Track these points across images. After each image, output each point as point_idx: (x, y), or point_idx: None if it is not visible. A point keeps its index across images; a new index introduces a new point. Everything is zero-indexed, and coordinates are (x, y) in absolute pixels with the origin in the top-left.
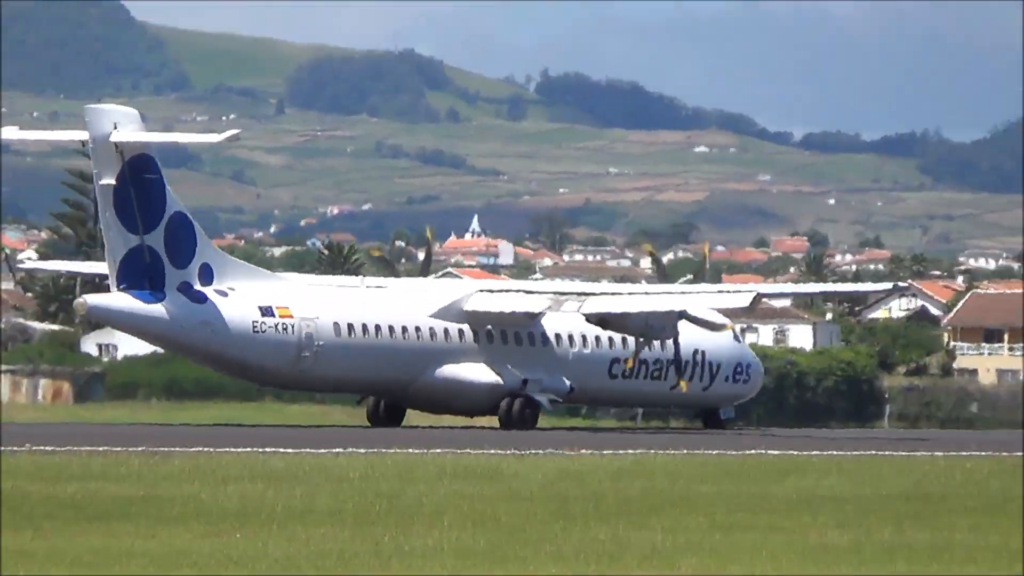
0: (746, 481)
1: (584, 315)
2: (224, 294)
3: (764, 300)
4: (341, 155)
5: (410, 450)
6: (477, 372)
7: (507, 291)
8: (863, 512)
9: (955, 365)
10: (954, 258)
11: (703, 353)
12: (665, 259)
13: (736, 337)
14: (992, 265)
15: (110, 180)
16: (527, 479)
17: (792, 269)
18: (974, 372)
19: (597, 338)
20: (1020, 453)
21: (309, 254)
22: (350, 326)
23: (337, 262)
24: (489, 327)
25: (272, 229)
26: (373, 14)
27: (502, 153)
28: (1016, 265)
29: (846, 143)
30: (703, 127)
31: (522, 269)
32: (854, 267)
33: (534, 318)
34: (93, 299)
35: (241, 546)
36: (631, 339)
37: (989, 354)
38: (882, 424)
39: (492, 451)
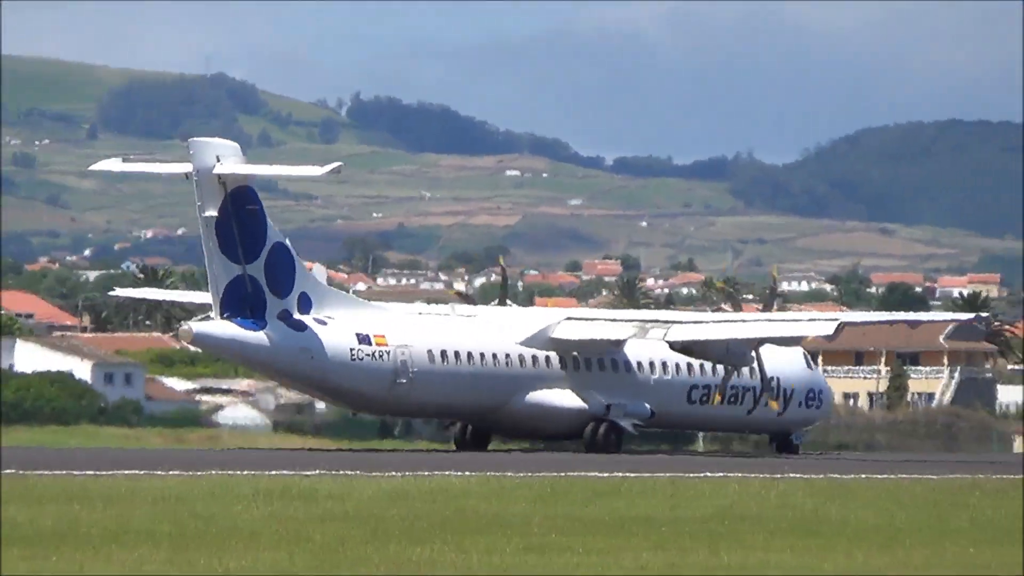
0: (561, 503)
1: (668, 342)
2: (323, 322)
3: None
4: (155, 179)
5: (226, 472)
6: (563, 398)
7: (593, 319)
8: (678, 534)
9: None
10: (766, 281)
11: (778, 379)
12: (477, 283)
13: (808, 364)
14: (806, 288)
15: (213, 212)
16: (343, 500)
17: (604, 292)
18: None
19: (676, 364)
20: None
21: (124, 277)
22: (443, 353)
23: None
24: (575, 354)
25: (86, 252)
26: (185, 38)
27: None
28: (829, 287)
29: (658, 167)
30: (515, 151)
31: None
32: (667, 290)
33: (619, 345)
34: (198, 327)
35: (58, 568)
36: (708, 365)
37: None
38: (696, 446)
39: (308, 472)
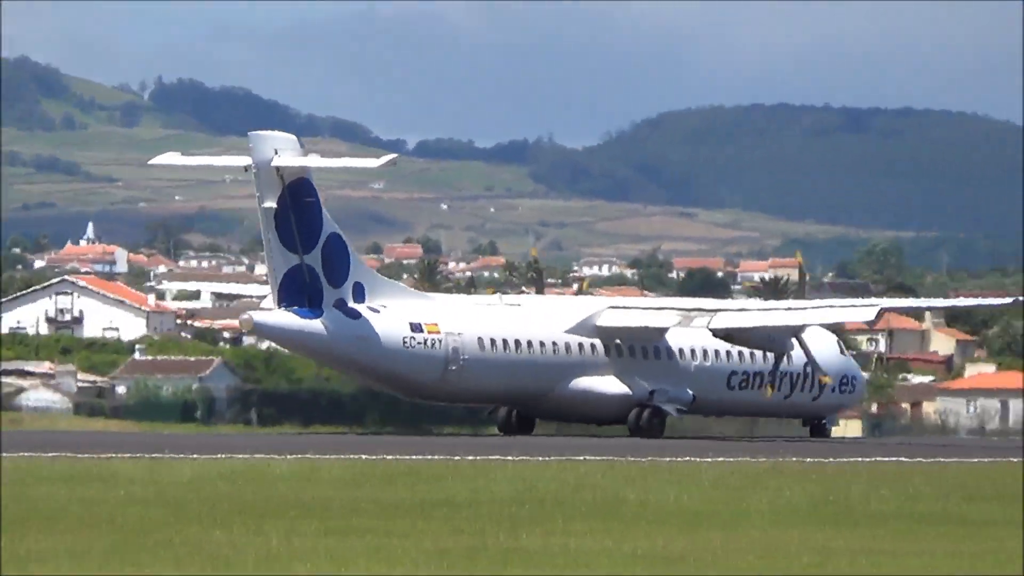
0: (362, 486)
1: (712, 330)
2: (376, 311)
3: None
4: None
5: (27, 453)
6: (608, 384)
7: (636, 308)
8: (478, 516)
9: None
10: (568, 265)
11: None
12: None
13: (841, 350)
14: (606, 272)
15: (271, 203)
16: (144, 483)
17: (405, 276)
18: None
19: (716, 351)
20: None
21: None
22: (492, 341)
23: None
24: (619, 341)
25: None
26: None
27: (117, 160)
28: (630, 272)
29: (459, 150)
30: (317, 135)
31: (137, 276)
32: (468, 273)
33: (661, 333)
34: (258, 316)
35: None
36: (747, 352)
37: None
38: (495, 428)
39: (109, 455)
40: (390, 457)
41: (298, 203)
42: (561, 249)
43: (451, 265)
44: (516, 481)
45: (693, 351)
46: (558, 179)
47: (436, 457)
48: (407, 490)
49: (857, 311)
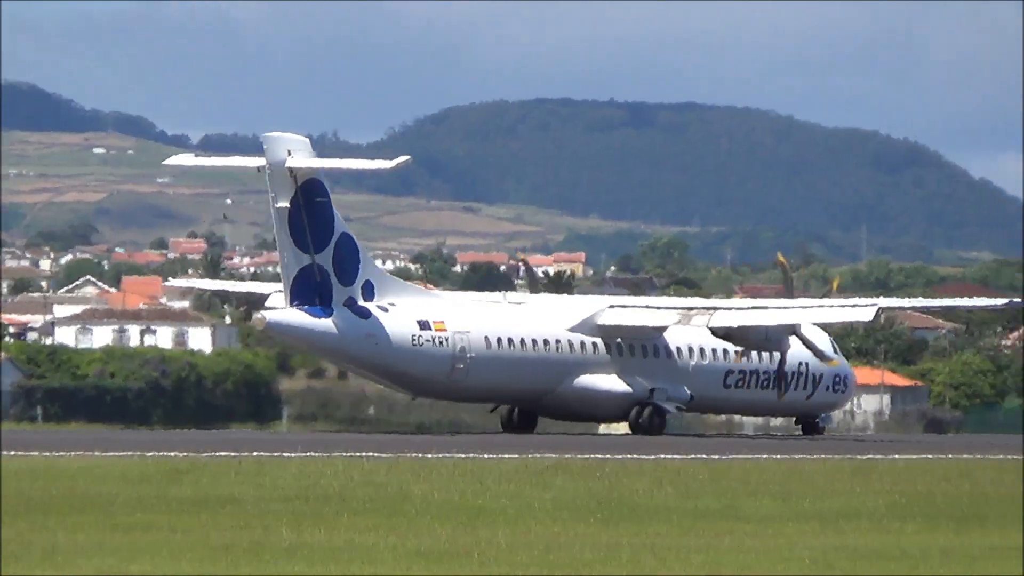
0: (147, 482)
1: (711, 328)
2: (385, 309)
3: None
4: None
5: None
6: (610, 382)
7: (636, 306)
8: (262, 513)
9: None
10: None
11: (807, 364)
12: (64, 260)
13: (834, 348)
14: (390, 266)
15: (284, 203)
16: None
17: (190, 271)
18: None
19: (713, 350)
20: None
21: None
22: (498, 339)
23: None
24: (619, 340)
25: None
26: None
27: None
28: (414, 267)
29: (245, 145)
30: (101, 129)
31: None
32: (252, 268)
33: (660, 332)
34: (271, 315)
35: None
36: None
37: None
38: (280, 425)
39: None
40: (175, 454)
41: (310, 203)
42: None
43: (236, 260)
44: (301, 477)
45: (691, 349)
46: (342, 174)
47: (221, 454)
48: (192, 486)
49: (856, 311)
